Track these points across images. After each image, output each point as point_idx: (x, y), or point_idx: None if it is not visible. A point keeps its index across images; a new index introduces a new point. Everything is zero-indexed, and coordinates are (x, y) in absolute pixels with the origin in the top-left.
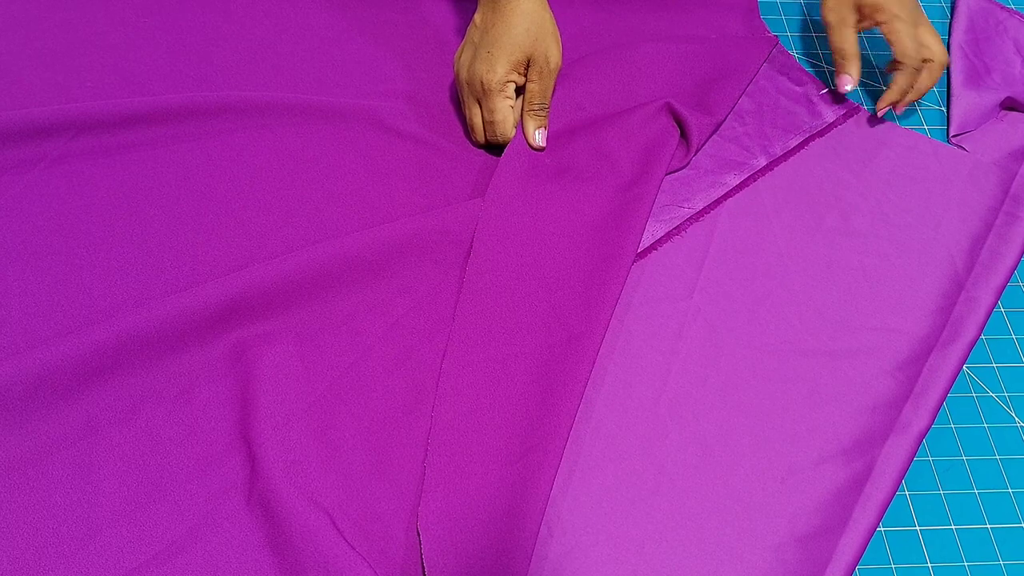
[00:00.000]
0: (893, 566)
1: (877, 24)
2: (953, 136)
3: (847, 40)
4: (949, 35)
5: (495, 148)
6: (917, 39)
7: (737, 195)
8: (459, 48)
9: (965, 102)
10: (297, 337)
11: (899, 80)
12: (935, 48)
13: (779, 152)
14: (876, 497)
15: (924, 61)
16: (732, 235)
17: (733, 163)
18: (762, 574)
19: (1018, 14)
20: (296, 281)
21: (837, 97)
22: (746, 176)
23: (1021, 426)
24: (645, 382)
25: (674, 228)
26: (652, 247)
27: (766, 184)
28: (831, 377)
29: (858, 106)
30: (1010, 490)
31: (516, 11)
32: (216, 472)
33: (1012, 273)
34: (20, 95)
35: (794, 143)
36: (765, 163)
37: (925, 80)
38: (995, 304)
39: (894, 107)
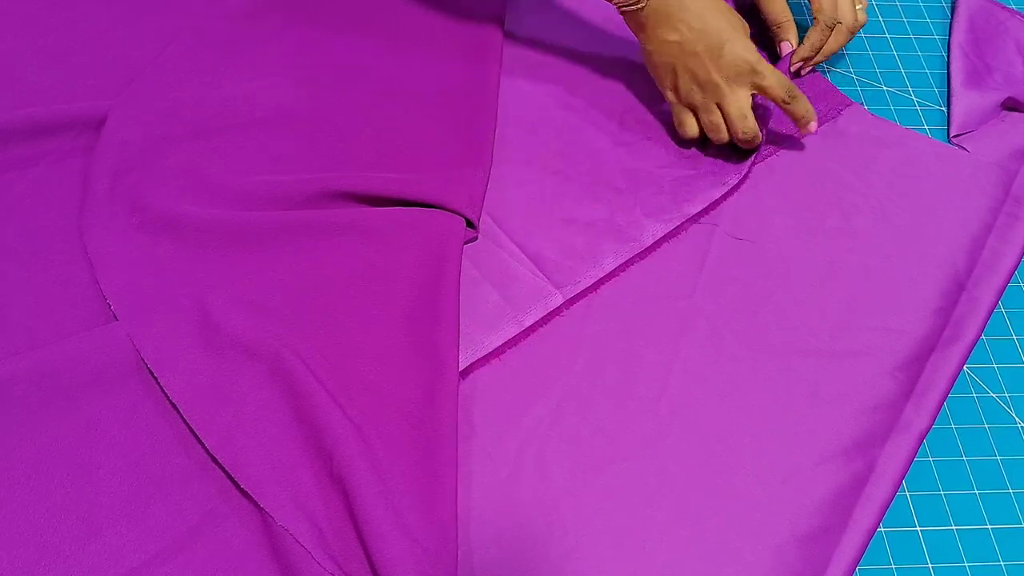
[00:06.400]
0: (893, 566)
1: None
2: (954, 136)
3: (775, 9)
4: (949, 35)
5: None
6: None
7: (737, 195)
8: (658, 80)
9: (966, 102)
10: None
11: (812, 36)
12: (847, 14)
13: (780, 150)
14: (876, 497)
15: (838, 23)
16: (733, 235)
17: (733, 163)
18: (762, 574)
19: (1019, 14)
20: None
21: (834, 93)
22: (745, 174)
23: (1021, 426)
24: (645, 382)
25: (674, 228)
26: (652, 247)
27: (767, 184)
28: (832, 377)
29: (853, 102)
30: (1010, 490)
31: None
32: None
33: (1013, 273)
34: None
35: (795, 141)
36: (765, 162)
37: (831, 43)
38: (996, 304)
39: (803, 65)
